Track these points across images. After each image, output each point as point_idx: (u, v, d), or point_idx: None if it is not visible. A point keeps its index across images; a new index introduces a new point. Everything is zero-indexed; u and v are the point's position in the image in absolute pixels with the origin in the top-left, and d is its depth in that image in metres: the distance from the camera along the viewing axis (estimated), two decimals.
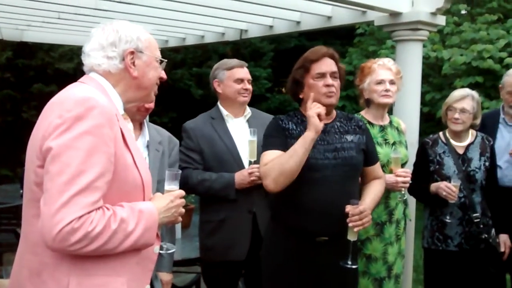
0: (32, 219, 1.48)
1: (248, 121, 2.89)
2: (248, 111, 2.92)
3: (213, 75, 2.90)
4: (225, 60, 2.93)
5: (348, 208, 2.22)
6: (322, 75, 2.32)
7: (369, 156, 2.47)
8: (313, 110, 2.22)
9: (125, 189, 1.50)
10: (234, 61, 2.88)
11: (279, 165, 2.22)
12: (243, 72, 2.86)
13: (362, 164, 2.44)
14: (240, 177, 2.68)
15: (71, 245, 1.34)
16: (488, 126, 3.14)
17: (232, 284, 2.91)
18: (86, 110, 1.40)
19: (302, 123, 2.38)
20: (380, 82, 2.76)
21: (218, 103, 2.92)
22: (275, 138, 2.36)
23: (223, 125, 2.85)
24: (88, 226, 1.35)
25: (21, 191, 4.93)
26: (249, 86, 2.86)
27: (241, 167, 2.73)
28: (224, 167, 2.75)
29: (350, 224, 2.22)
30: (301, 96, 2.39)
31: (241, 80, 2.82)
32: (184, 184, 2.81)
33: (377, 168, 2.54)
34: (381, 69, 2.79)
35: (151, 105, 2.35)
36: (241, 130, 2.84)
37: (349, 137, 2.41)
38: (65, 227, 1.32)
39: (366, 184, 2.51)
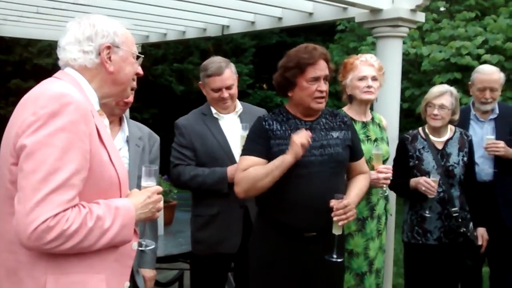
0: (7, 216, 1.45)
1: (239, 116, 2.90)
2: (240, 107, 2.92)
3: (200, 76, 2.90)
4: (206, 64, 2.86)
5: (333, 203, 2.25)
6: (316, 79, 2.33)
7: (354, 151, 2.50)
8: (299, 139, 2.22)
9: (101, 186, 1.48)
10: (212, 68, 2.79)
11: (253, 180, 2.29)
12: (220, 81, 2.78)
13: (348, 160, 2.47)
14: (233, 171, 2.67)
15: (47, 243, 1.33)
16: (460, 122, 3.19)
17: (222, 277, 2.93)
18: (61, 106, 1.38)
19: (288, 121, 2.40)
20: (362, 79, 2.78)
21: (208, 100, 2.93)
22: (255, 143, 2.38)
23: (214, 121, 2.85)
24: (64, 224, 1.34)
25: None
26: (228, 94, 2.80)
27: (234, 162, 2.75)
28: (217, 163, 2.76)
29: (334, 218, 2.25)
30: (290, 94, 2.40)
31: (218, 89, 2.79)
32: (177, 180, 2.84)
33: (362, 163, 2.56)
34: (364, 65, 2.80)
35: (130, 99, 2.33)
36: (232, 126, 2.85)
37: (335, 134, 2.43)
38: (40, 225, 1.31)
39: (351, 179, 2.53)
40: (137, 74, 1.71)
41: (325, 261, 2.32)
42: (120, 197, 1.55)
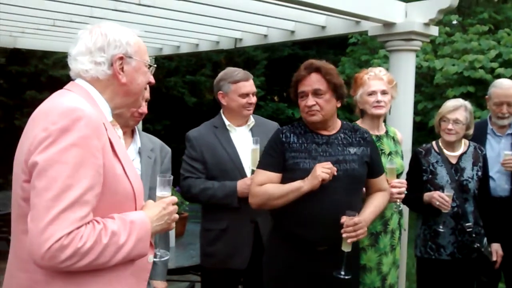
0: (21, 235, 1.43)
1: (251, 130, 2.90)
2: (252, 120, 2.92)
3: (217, 86, 2.87)
4: (230, 71, 2.87)
5: (343, 219, 2.23)
6: (304, 94, 2.36)
7: (373, 168, 2.48)
8: (320, 173, 2.23)
9: (116, 200, 1.45)
10: (240, 74, 2.82)
11: (268, 197, 2.34)
12: (249, 86, 2.82)
13: (365, 176, 2.45)
14: (243, 185, 2.68)
15: (61, 262, 1.30)
16: (476, 136, 3.16)
17: None
18: (72, 121, 1.35)
19: (305, 134, 2.42)
20: (372, 93, 2.77)
21: (221, 112, 2.91)
22: (270, 157, 2.41)
23: (226, 134, 2.84)
24: (78, 242, 1.30)
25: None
26: (254, 100, 2.84)
27: (244, 176, 2.74)
28: (227, 176, 2.76)
29: (344, 235, 2.23)
30: None
31: (246, 95, 2.80)
32: (187, 193, 2.83)
33: (381, 180, 2.54)
34: (373, 80, 2.79)
35: (144, 109, 2.34)
36: (244, 139, 2.85)
37: (352, 150, 2.41)
38: (54, 244, 1.28)
39: (369, 196, 2.52)
40: (149, 83, 1.67)
41: (337, 276, 2.30)
42: (136, 209, 1.52)
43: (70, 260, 1.30)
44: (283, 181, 2.38)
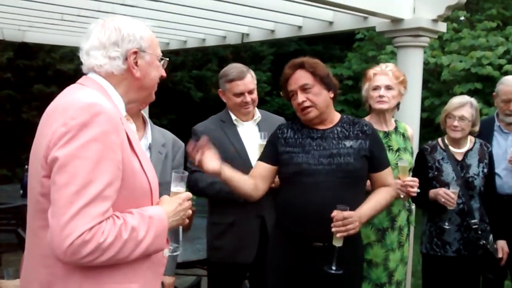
0: (39, 230, 1.42)
1: (258, 124, 2.91)
2: (258, 115, 2.92)
3: (218, 83, 2.91)
4: (227, 70, 2.86)
5: (334, 213, 2.19)
6: (294, 93, 2.36)
7: (374, 162, 2.41)
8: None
9: (133, 195, 1.45)
10: (234, 72, 2.80)
11: None
12: (242, 85, 2.79)
13: (364, 171, 2.39)
14: None
15: (83, 257, 1.30)
16: (483, 133, 3.15)
17: (238, 285, 2.93)
18: (92, 116, 1.35)
19: (302, 129, 2.43)
20: (376, 88, 2.76)
21: (227, 107, 2.93)
22: (266, 149, 2.48)
23: (233, 128, 2.85)
24: (100, 237, 1.30)
25: (21, 191, 4.94)
26: (250, 98, 2.81)
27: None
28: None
29: (333, 229, 2.18)
30: None
31: (240, 94, 2.79)
32: (194, 187, 2.83)
33: (385, 174, 2.45)
34: (378, 75, 2.78)
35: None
36: (250, 133, 2.85)
37: (348, 143, 2.37)
38: (76, 239, 1.28)
39: (373, 191, 2.47)
40: (161, 77, 1.66)
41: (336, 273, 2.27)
42: (151, 204, 1.52)
43: (91, 255, 1.31)
44: (279, 174, 2.43)
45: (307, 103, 2.33)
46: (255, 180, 2.40)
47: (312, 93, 2.33)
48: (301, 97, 2.33)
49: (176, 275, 2.73)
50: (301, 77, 2.34)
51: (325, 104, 2.37)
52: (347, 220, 2.18)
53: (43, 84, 8.74)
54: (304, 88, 2.33)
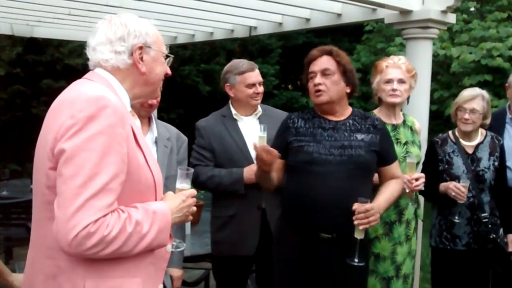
0: (44, 222, 1.44)
1: (259, 119, 2.92)
2: (259, 110, 2.94)
3: (224, 78, 2.91)
4: (235, 63, 2.91)
5: (355, 206, 2.22)
6: (314, 75, 2.39)
7: (384, 156, 2.46)
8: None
9: (137, 189, 1.47)
10: (245, 65, 2.86)
11: None
12: (254, 76, 2.85)
13: (374, 164, 2.43)
14: (249, 172, 2.71)
15: (87, 249, 1.32)
16: (494, 126, 3.12)
17: (242, 279, 2.94)
18: (99, 109, 1.37)
19: (313, 119, 2.45)
20: (388, 81, 2.75)
21: (230, 102, 2.95)
22: (276, 140, 2.52)
23: (233, 123, 2.88)
24: (104, 230, 1.32)
25: (31, 186, 4.97)
26: (261, 89, 2.87)
27: (251, 163, 2.76)
28: (234, 164, 2.79)
29: (355, 222, 2.21)
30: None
31: (252, 85, 2.84)
32: (195, 181, 2.86)
33: (394, 167, 2.52)
34: (391, 68, 2.76)
35: (154, 101, 2.35)
36: (251, 128, 2.87)
37: (360, 136, 2.40)
38: (81, 231, 1.29)
39: (382, 184, 2.51)
40: (166, 74, 1.69)
41: (342, 264, 2.29)
42: (155, 199, 1.54)
43: (96, 248, 1.32)
44: (289, 163, 2.44)
45: (322, 87, 2.36)
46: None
47: (330, 80, 2.37)
48: (319, 79, 2.37)
49: (184, 268, 2.75)
50: (326, 62, 2.39)
51: (338, 95, 2.40)
52: (369, 213, 2.21)
53: (52, 79, 8.78)
54: (324, 73, 2.37)
